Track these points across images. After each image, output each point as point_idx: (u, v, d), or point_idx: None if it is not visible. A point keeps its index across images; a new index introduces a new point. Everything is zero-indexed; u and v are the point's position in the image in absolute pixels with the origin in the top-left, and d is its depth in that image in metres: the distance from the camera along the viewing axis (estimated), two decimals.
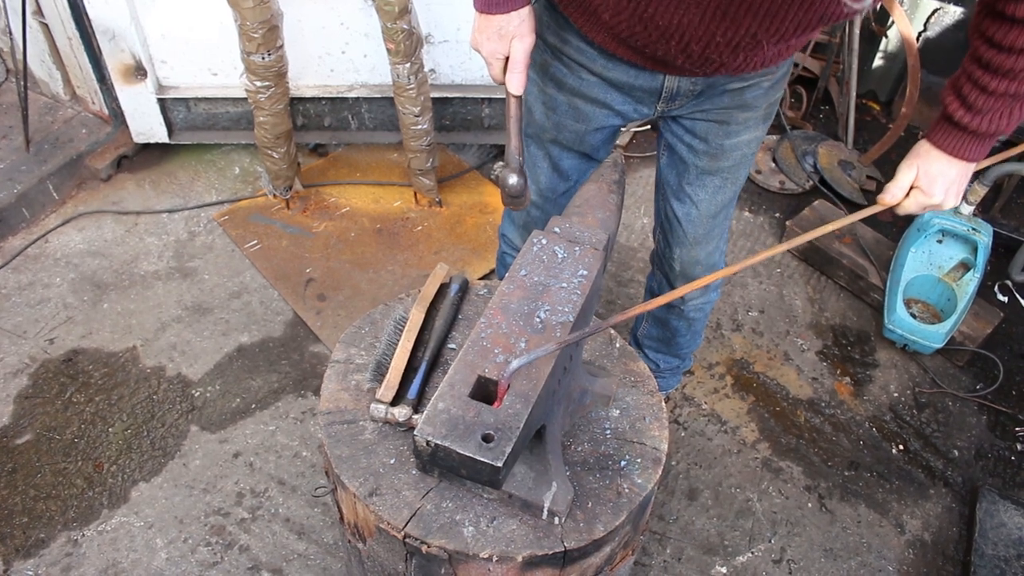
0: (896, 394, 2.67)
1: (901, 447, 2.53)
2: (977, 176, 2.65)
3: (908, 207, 1.66)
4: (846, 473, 2.44)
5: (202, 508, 2.22)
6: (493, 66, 1.48)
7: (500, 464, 1.10)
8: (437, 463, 1.15)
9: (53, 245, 2.91)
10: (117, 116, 3.16)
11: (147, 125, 3.14)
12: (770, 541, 2.27)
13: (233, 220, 3.07)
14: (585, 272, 1.37)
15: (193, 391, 2.49)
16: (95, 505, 2.22)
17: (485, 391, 1.20)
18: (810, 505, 2.36)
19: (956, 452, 2.52)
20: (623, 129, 3.26)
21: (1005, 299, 2.99)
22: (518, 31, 1.47)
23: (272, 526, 2.19)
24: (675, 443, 2.48)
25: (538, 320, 1.29)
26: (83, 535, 2.15)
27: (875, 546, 2.29)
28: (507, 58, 1.48)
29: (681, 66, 1.54)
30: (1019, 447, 2.55)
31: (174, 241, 2.97)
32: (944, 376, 2.72)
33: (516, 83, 1.46)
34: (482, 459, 1.10)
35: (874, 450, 2.51)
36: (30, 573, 2.08)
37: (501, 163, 1.45)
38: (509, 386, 1.18)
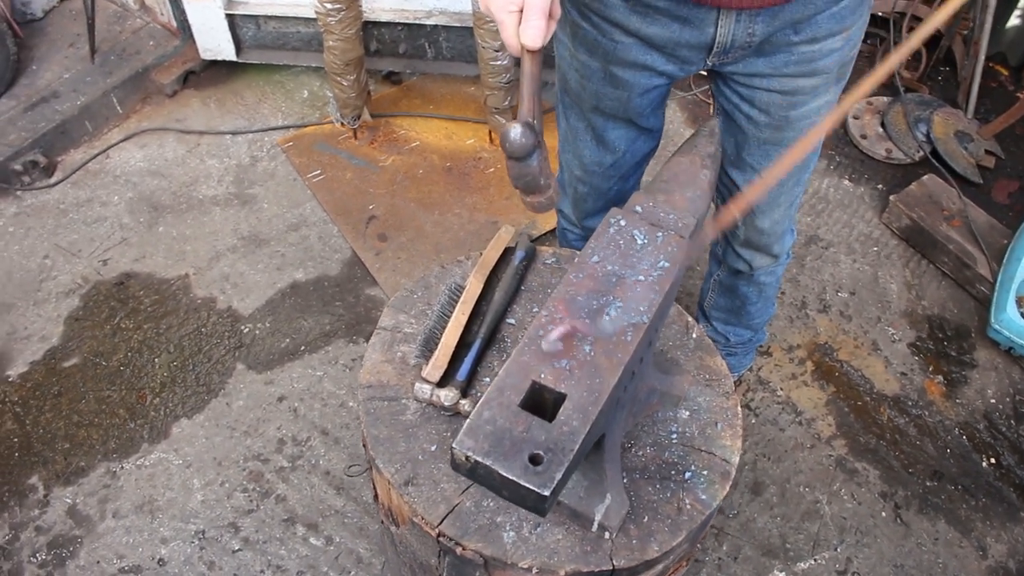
0: (993, 401, 2.42)
1: (993, 460, 2.30)
2: None
3: None
4: (928, 483, 2.24)
5: (242, 452, 2.15)
6: (506, 24, 1.10)
7: (547, 493, 0.95)
8: (477, 479, 1.01)
9: (114, 161, 2.83)
10: (185, 30, 3.04)
11: (215, 41, 3.00)
12: (836, 549, 2.10)
13: (297, 147, 2.94)
14: (667, 264, 1.19)
15: (242, 327, 2.41)
16: (136, 438, 2.17)
17: (539, 400, 1.04)
18: (884, 514, 2.17)
19: None
20: (675, 90, 2.99)
21: None
22: None
23: (311, 478, 2.11)
24: (745, 430, 2.30)
25: (607, 318, 1.12)
26: (122, 467, 2.11)
27: (952, 568, 2.10)
28: (521, 9, 1.13)
29: None
30: None
31: (235, 165, 2.86)
32: None
33: (532, 33, 1.08)
34: (527, 485, 0.95)
35: (962, 460, 2.29)
36: (68, 501, 2.05)
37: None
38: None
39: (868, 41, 3.45)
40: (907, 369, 2.48)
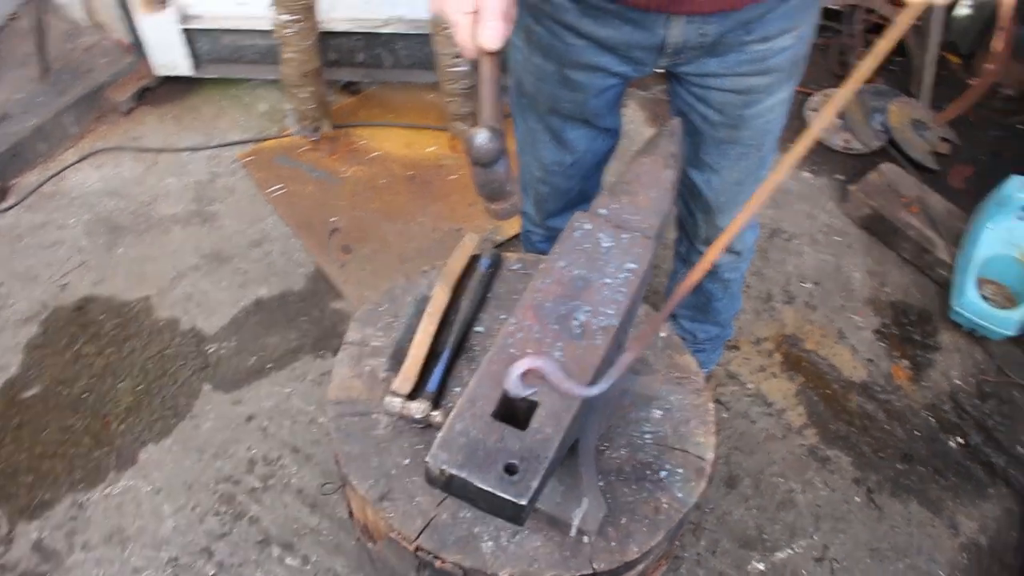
0: (958, 381, 2.46)
1: (960, 440, 2.34)
2: None
3: None
4: (898, 466, 2.27)
5: (212, 474, 2.12)
6: (461, 26, 1.05)
7: (524, 503, 0.94)
8: (452, 492, 1.00)
9: (69, 183, 2.78)
10: (139, 46, 2.99)
11: (170, 56, 2.96)
12: (812, 537, 2.12)
13: (257, 161, 2.91)
14: (634, 265, 1.19)
15: (207, 347, 2.37)
16: (102, 466, 2.12)
17: (511, 409, 1.03)
18: (858, 499, 2.20)
19: (1020, 448, 2.33)
20: (634, 90, 2.98)
21: None
22: None
23: (284, 497, 2.08)
24: (717, 425, 2.31)
25: (576, 323, 1.11)
26: (89, 498, 2.06)
27: (926, 548, 2.12)
28: (476, 11, 1.08)
29: None
30: None
31: (195, 182, 2.82)
32: (1012, 364, 2.50)
33: (490, 34, 1.04)
34: (504, 495, 0.94)
35: (930, 442, 2.33)
36: (34, 536, 2.00)
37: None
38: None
39: (822, 35, 3.49)
40: (873, 355, 2.51)
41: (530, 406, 1.03)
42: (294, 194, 2.81)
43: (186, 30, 2.91)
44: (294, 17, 2.47)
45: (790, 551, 2.09)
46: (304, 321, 2.46)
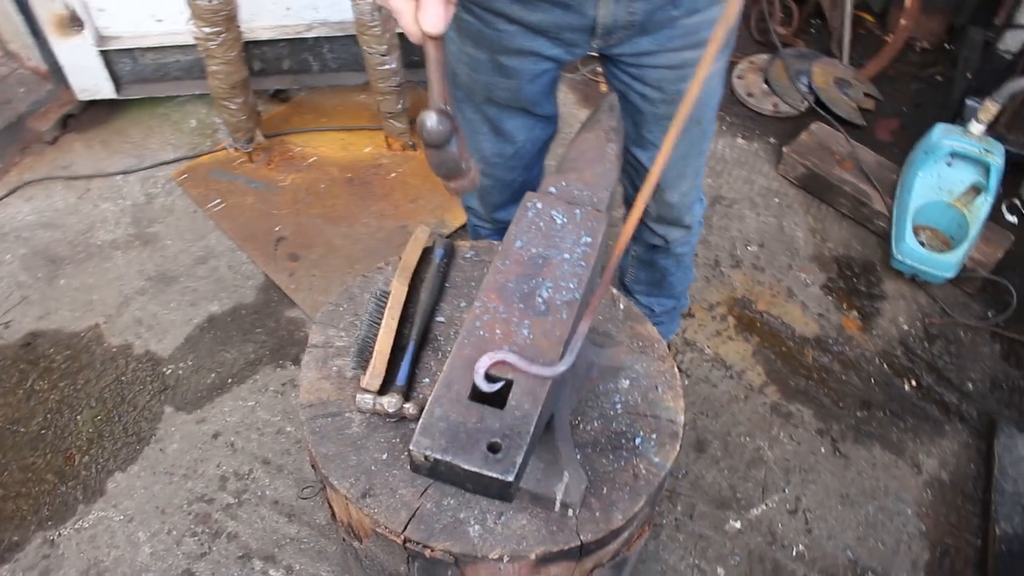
0: (906, 327, 2.55)
1: (913, 383, 2.42)
2: (992, 92, 2.48)
3: None
4: (858, 414, 2.34)
5: (184, 496, 2.08)
6: (404, 12, 1.05)
7: (511, 479, 0.95)
8: (438, 477, 1.01)
9: (0, 218, 2.70)
10: (57, 72, 2.91)
11: (91, 80, 2.89)
12: (784, 491, 2.18)
13: (193, 178, 2.86)
14: (589, 239, 1.21)
15: (164, 369, 2.33)
16: (69, 501, 2.07)
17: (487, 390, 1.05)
18: (823, 450, 2.26)
19: (970, 385, 2.42)
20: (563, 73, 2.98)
21: (1014, 219, 2.85)
22: None
23: (260, 510, 2.06)
24: (683, 388, 2.36)
25: (540, 300, 1.13)
26: (59, 534, 2.02)
27: (892, 489, 2.20)
28: None
29: None
30: None
31: (131, 205, 2.76)
32: (955, 305, 2.60)
33: (432, 18, 1.04)
34: (490, 474, 0.96)
35: (886, 387, 2.40)
36: None
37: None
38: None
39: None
40: (823, 310, 2.58)
41: (505, 385, 1.04)
42: (234, 207, 2.77)
43: (104, 52, 2.83)
44: (216, 29, 2.42)
45: (764, 506, 2.15)
46: (260, 333, 2.43)
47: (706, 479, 2.19)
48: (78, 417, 2.22)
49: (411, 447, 0.98)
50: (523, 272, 1.16)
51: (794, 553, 2.07)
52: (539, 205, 1.26)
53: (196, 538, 2.01)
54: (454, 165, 1.10)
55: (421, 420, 0.99)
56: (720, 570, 2.03)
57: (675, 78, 1.54)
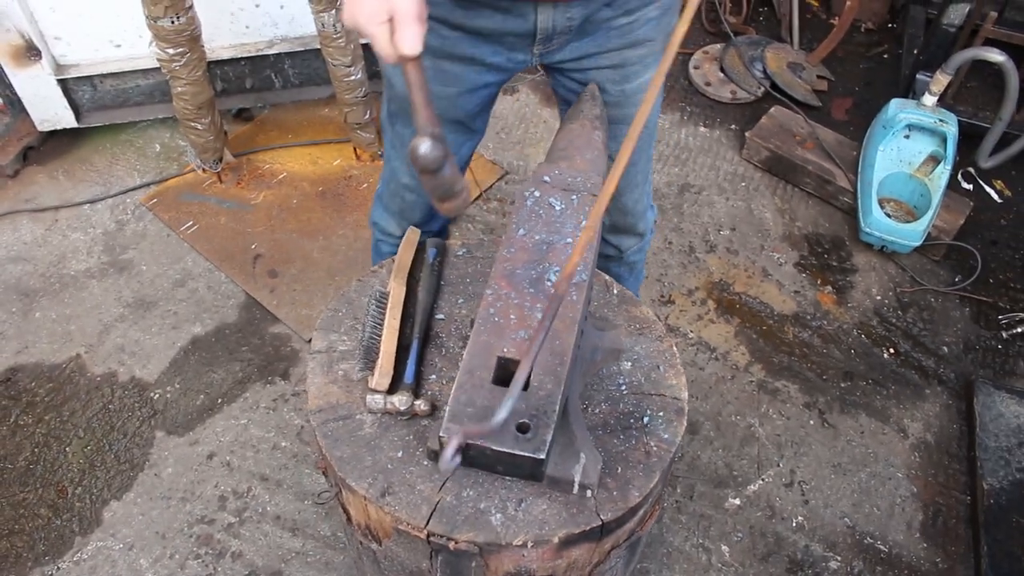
0: (879, 297, 2.62)
1: (892, 351, 2.49)
2: (940, 65, 2.57)
3: None
4: (842, 385, 2.40)
5: (184, 519, 2.06)
6: (378, 37, 1.06)
7: (542, 456, 0.98)
8: (468, 462, 1.03)
9: None
10: (14, 104, 2.86)
11: (50, 110, 2.85)
12: (778, 465, 2.22)
13: (163, 202, 2.83)
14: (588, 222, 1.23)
15: (151, 394, 2.30)
16: (65, 534, 2.04)
17: (508, 373, 1.06)
18: (812, 422, 2.31)
19: (945, 348, 2.50)
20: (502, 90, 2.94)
21: (970, 187, 2.95)
22: None
23: (262, 526, 2.05)
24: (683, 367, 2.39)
25: (549, 284, 1.15)
26: (58, 568, 1.98)
27: (881, 455, 2.25)
28: (390, 19, 1.07)
29: None
30: (1004, 335, 2.53)
31: (102, 234, 2.72)
32: (923, 273, 2.68)
33: (410, 39, 1.05)
34: (522, 453, 0.98)
35: (866, 357, 2.47)
36: None
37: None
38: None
39: None
40: (798, 287, 2.64)
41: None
42: (208, 228, 2.75)
43: (62, 80, 2.80)
44: (180, 49, 2.41)
45: (761, 482, 2.19)
46: (245, 351, 2.41)
47: (702, 460, 2.22)
48: (67, 449, 2.19)
49: (440, 433, 0.99)
50: (529, 258, 1.18)
51: (794, 524, 2.12)
52: (536, 194, 1.28)
53: (200, 560, 1.99)
54: (448, 188, 1.11)
55: (448, 407, 1.01)
56: (724, 547, 2.07)
57: (618, 78, 1.56)
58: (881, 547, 2.09)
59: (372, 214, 1.94)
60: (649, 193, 1.88)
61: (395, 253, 2.01)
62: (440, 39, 1.44)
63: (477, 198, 2.86)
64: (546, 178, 1.32)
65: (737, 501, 2.15)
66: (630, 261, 2.01)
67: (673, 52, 0.86)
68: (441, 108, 1.57)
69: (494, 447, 0.98)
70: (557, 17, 1.41)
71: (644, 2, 1.45)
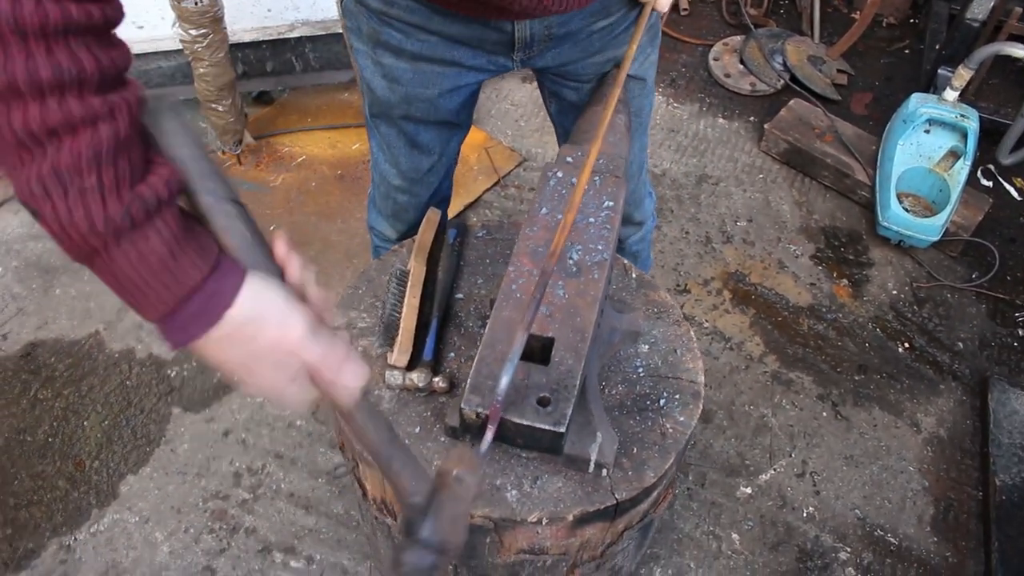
0: (895, 292, 2.61)
1: (906, 345, 2.48)
2: (962, 60, 2.56)
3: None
4: (856, 377, 2.40)
5: (199, 494, 2.08)
6: (290, 395, 0.81)
7: (562, 430, 0.99)
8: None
9: None
10: None
11: None
12: (791, 455, 2.22)
13: None
14: (611, 203, 1.24)
15: (168, 371, 2.33)
16: (83, 506, 2.06)
17: (530, 348, 1.07)
18: (825, 414, 2.31)
19: (961, 344, 2.49)
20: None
21: (989, 184, 2.94)
22: (285, 320, 0.77)
23: (276, 503, 2.07)
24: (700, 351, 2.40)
25: (571, 262, 1.16)
26: (75, 539, 2.01)
27: (894, 448, 2.25)
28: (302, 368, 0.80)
29: (521, 9, 1.26)
30: (1021, 333, 2.53)
31: None
32: (940, 268, 2.67)
33: (352, 376, 0.81)
34: (543, 426, 0.99)
35: (880, 351, 2.46)
36: None
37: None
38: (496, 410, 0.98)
39: None
40: (814, 279, 2.63)
41: (547, 343, 1.07)
42: None
43: None
44: (203, 31, 2.43)
45: (773, 471, 2.19)
46: None
47: (714, 448, 2.23)
48: (85, 423, 2.21)
49: (462, 405, 1.00)
50: (551, 236, 1.18)
51: (804, 515, 2.12)
52: (560, 174, 1.29)
53: (214, 535, 2.02)
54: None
55: (470, 380, 1.02)
56: (734, 535, 2.08)
57: (607, 65, 1.54)
58: (891, 540, 2.09)
59: (368, 218, 1.90)
60: (646, 181, 1.87)
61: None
62: (419, 44, 1.41)
63: (495, 184, 2.86)
64: (569, 159, 1.33)
65: (748, 490, 2.15)
66: (633, 251, 2.00)
67: (640, 31, 0.86)
68: (423, 111, 1.54)
69: (515, 420, 0.99)
70: (535, 26, 1.38)
71: (621, 5, 1.43)
